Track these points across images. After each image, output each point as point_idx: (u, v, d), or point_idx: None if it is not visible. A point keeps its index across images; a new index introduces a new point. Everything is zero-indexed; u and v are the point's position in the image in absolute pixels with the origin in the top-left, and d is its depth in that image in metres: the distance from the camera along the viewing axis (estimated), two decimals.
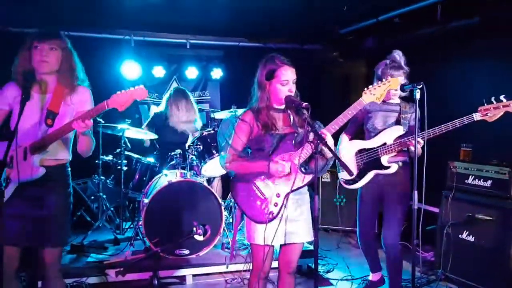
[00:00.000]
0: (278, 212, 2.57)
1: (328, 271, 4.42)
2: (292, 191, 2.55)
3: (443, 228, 4.04)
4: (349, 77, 6.70)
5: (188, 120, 5.15)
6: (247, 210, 2.62)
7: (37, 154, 2.45)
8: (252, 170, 2.59)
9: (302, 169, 2.56)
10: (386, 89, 2.58)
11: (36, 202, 2.50)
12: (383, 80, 2.72)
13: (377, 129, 3.42)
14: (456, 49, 4.70)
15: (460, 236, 3.92)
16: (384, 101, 3.32)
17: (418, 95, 2.87)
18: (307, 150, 2.47)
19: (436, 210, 4.37)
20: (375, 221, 3.68)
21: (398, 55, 3.31)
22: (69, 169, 2.70)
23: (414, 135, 3.02)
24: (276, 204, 2.57)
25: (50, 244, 2.58)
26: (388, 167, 3.32)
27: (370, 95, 2.57)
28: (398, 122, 3.38)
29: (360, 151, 3.46)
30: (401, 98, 3.46)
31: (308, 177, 2.56)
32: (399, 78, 3.15)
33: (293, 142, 2.58)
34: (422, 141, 3.11)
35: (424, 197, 2.97)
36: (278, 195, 2.57)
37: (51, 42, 2.50)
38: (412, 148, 3.08)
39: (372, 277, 3.83)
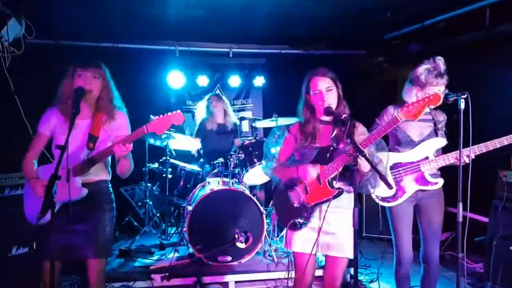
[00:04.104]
0: (307, 222, 2.62)
1: (371, 281, 4.35)
2: (321, 202, 2.60)
3: (492, 240, 3.89)
4: (394, 83, 6.57)
5: (226, 120, 5.43)
6: (280, 215, 2.78)
7: (79, 176, 2.58)
8: (285, 175, 2.69)
9: (334, 182, 2.57)
10: (425, 106, 2.38)
11: (79, 219, 2.61)
12: (422, 92, 2.65)
13: (414, 141, 3.14)
14: (504, 55, 4.52)
15: (510, 248, 3.75)
16: None
17: (462, 105, 2.74)
18: (339, 163, 2.48)
19: (485, 219, 4.22)
20: (412, 243, 3.25)
21: (441, 62, 3.02)
22: (110, 185, 2.82)
23: (459, 149, 2.83)
24: (306, 214, 2.62)
25: (93, 256, 2.68)
26: (435, 183, 3.08)
27: (408, 113, 2.39)
28: (435, 133, 3.14)
29: (395, 165, 3.15)
30: None
31: (333, 191, 2.56)
32: (440, 89, 2.99)
33: (328, 155, 2.59)
34: (472, 156, 2.94)
35: (470, 206, 2.83)
36: (306, 206, 2.62)
37: (94, 71, 2.64)
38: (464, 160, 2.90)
39: None
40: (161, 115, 2.52)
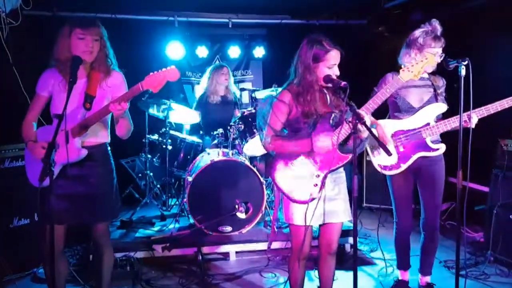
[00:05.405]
0: (318, 193, 2.57)
1: (371, 251, 4.39)
2: (331, 170, 2.56)
3: (492, 208, 3.90)
4: (396, 52, 6.47)
5: (227, 92, 5.39)
6: (287, 190, 2.62)
7: (78, 137, 2.55)
8: (294, 150, 2.57)
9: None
10: (424, 66, 2.44)
11: (80, 181, 2.60)
12: (421, 54, 2.62)
13: (414, 107, 3.10)
14: (506, 21, 4.43)
15: (511, 216, 3.77)
16: None
17: (463, 72, 2.70)
18: (345, 130, 2.45)
19: (485, 189, 4.22)
20: (412, 212, 3.32)
21: (438, 24, 3.01)
22: (109, 148, 2.79)
23: (459, 115, 2.79)
24: (315, 185, 2.57)
25: (97, 219, 2.71)
26: (436, 149, 3.07)
27: (408, 73, 2.44)
28: (435, 98, 3.12)
29: (396, 133, 3.14)
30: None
31: (346, 157, 2.54)
32: (438, 51, 2.97)
33: (330, 122, 2.56)
34: (475, 120, 2.92)
35: (471, 176, 2.80)
36: (317, 176, 2.57)
37: (95, 33, 2.54)
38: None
39: (402, 275, 3.45)
40: (155, 72, 2.45)
